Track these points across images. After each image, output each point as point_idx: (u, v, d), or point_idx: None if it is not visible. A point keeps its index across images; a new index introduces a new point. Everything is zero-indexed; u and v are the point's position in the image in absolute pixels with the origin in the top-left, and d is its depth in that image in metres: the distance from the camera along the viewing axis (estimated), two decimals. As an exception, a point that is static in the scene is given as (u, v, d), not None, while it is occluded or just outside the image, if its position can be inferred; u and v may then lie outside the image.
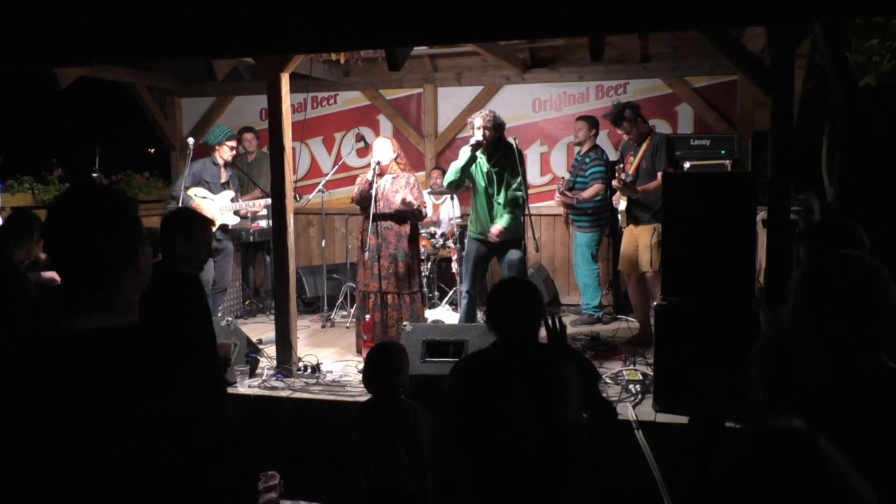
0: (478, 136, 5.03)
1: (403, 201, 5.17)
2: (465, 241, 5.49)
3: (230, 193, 6.25)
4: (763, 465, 1.11)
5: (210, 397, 1.41)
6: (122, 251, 1.42)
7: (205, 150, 6.52)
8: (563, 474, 2.38)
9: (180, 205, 5.93)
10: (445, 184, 5.27)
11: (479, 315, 5.83)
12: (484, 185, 5.19)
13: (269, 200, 6.40)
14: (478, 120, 5.06)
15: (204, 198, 6.10)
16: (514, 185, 5.11)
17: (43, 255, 4.29)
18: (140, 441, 1.26)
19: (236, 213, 6.30)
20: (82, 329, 1.32)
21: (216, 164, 6.22)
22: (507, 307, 2.56)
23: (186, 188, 6.03)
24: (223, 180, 6.27)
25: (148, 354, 1.33)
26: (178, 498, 1.30)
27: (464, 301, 5.35)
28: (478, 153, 5.08)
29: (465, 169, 5.11)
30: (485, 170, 5.16)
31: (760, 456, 1.13)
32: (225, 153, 6.21)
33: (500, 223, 5.12)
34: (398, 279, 5.25)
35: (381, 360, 2.95)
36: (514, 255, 5.13)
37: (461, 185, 5.29)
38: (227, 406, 1.53)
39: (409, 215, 5.27)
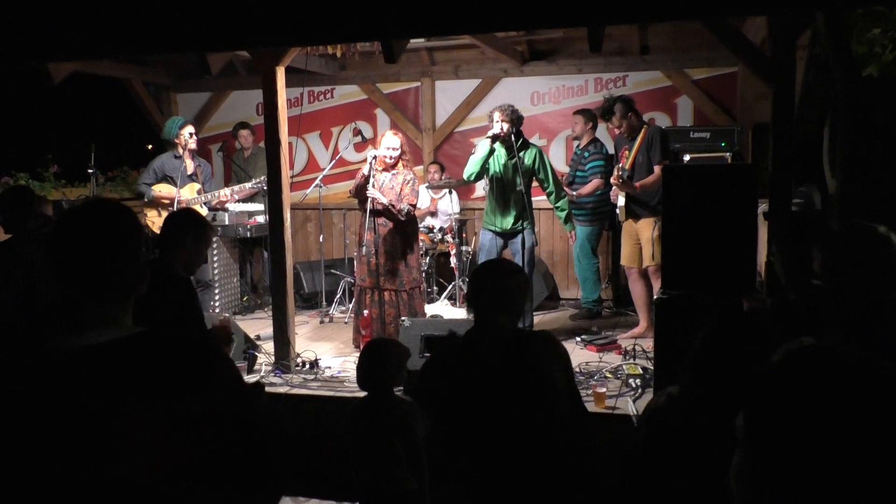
0: (495, 128, 5.15)
1: (389, 204, 5.11)
2: (479, 232, 5.62)
3: (195, 186, 6.09)
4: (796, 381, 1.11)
5: (240, 390, 1.42)
6: (133, 268, 1.42)
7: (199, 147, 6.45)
8: (541, 472, 2.31)
9: (146, 200, 5.89)
10: (465, 176, 5.40)
11: None
12: (500, 176, 5.31)
13: (236, 187, 6.34)
14: (496, 113, 5.19)
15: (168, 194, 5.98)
16: (547, 186, 5.37)
17: None
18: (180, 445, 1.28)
19: (206, 204, 6.14)
20: (98, 343, 1.31)
21: (178, 157, 6.05)
22: (484, 287, 2.45)
23: (149, 184, 5.94)
24: (189, 172, 6.07)
25: (175, 358, 1.34)
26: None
27: None
28: (496, 145, 5.20)
29: (485, 161, 5.24)
30: (502, 162, 5.28)
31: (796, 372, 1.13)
32: (184, 141, 5.99)
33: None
34: (395, 276, 5.20)
35: (373, 357, 2.91)
36: (525, 243, 5.22)
37: (481, 177, 5.44)
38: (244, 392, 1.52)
39: (388, 214, 5.17)
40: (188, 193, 6.02)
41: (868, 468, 1.00)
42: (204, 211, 6.05)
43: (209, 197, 6.16)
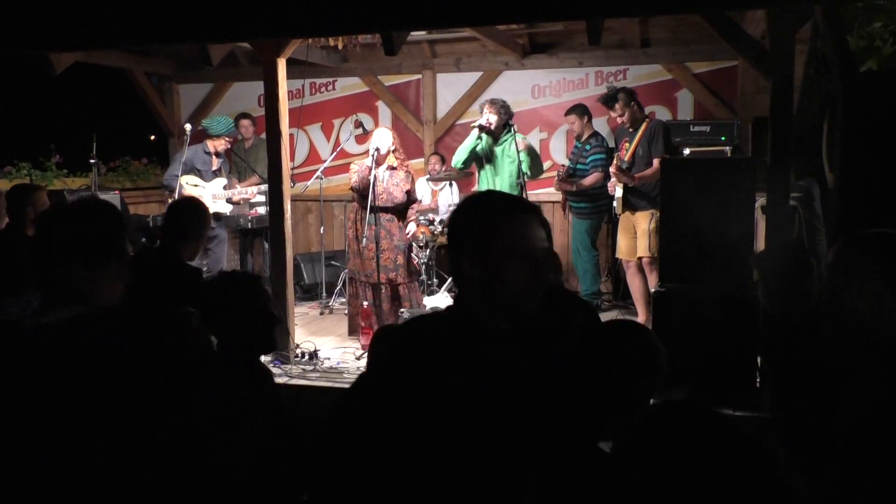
0: (481, 120, 5.37)
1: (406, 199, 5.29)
2: None
3: (222, 181, 6.23)
4: (663, 438, 1.12)
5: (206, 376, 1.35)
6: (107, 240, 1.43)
7: (202, 137, 6.50)
8: None
9: (176, 194, 5.93)
10: (453, 164, 5.60)
11: None
12: (485, 166, 5.50)
13: (262, 187, 6.41)
14: (486, 105, 5.44)
15: (195, 185, 6.07)
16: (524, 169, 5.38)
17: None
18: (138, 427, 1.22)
19: (229, 200, 6.29)
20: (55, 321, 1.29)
21: (207, 153, 6.20)
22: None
23: (177, 176, 6.00)
24: (214, 168, 6.26)
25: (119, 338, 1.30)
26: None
27: None
28: (483, 136, 5.40)
29: (472, 150, 5.42)
30: (488, 153, 5.46)
31: (659, 429, 1.13)
32: (220, 145, 6.26)
33: None
34: (395, 269, 5.24)
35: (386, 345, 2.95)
36: None
37: (468, 165, 5.60)
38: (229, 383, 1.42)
39: (393, 210, 5.30)
40: (215, 188, 6.19)
41: None
42: (229, 207, 6.39)
43: (235, 192, 6.37)
